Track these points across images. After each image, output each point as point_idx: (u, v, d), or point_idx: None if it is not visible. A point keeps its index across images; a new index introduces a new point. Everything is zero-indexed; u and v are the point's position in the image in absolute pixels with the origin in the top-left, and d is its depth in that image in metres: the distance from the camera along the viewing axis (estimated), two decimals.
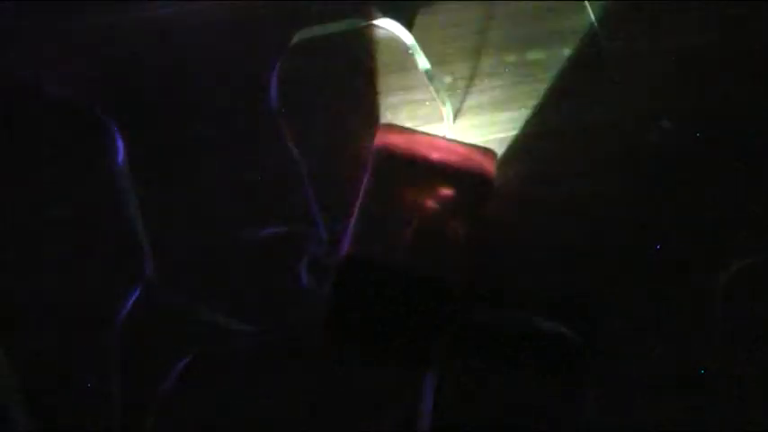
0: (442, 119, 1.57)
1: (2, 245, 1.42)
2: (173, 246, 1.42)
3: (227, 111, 1.55)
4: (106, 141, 1.49)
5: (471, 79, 1.61)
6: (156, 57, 1.59)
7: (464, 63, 1.62)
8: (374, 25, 1.63)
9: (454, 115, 1.57)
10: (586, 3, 1.68)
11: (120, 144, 1.48)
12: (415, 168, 1.39)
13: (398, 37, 1.62)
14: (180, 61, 1.59)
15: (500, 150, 1.53)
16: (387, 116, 1.56)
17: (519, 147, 1.55)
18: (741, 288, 1.45)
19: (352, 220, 1.35)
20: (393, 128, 1.45)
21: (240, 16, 1.63)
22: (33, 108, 1.52)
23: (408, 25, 1.63)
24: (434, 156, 1.41)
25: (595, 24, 1.66)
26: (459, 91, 1.60)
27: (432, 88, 1.59)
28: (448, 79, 1.61)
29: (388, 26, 1.62)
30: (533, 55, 1.64)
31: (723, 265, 1.47)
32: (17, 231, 1.43)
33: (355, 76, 1.60)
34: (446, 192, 1.37)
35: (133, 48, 1.59)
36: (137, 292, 1.37)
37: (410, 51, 1.61)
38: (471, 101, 1.59)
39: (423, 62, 1.60)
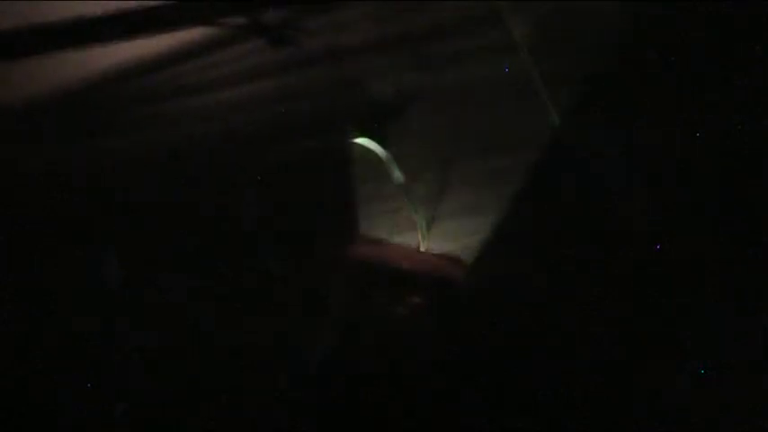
0: (416, 227, 1.62)
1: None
2: None
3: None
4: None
5: (444, 187, 1.66)
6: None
7: (436, 172, 1.67)
8: (350, 142, 1.70)
9: (428, 223, 1.62)
10: (550, 105, 1.73)
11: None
12: (386, 278, 1.46)
13: (374, 151, 1.69)
14: None
15: (472, 256, 1.57)
16: (363, 226, 1.61)
17: (490, 251, 1.59)
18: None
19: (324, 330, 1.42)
20: (365, 239, 1.52)
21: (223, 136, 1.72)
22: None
23: (382, 139, 1.69)
24: (405, 266, 1.48)
25: (559, 127, 1.73)
26: (432, 199, 1.64)
27: (406, 199, 1.65)
28: (421, 189, 1.66)
29: (363, 142, 1.70)
30: (502, 161, 1.68)
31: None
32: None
33: (332, 188, 1.66)
34: (415, 300, 1.44)
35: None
36: None
37: (385, 164, 1.68)
38: (444, 208, 1.64)
39: (397, 174, 1.67)
